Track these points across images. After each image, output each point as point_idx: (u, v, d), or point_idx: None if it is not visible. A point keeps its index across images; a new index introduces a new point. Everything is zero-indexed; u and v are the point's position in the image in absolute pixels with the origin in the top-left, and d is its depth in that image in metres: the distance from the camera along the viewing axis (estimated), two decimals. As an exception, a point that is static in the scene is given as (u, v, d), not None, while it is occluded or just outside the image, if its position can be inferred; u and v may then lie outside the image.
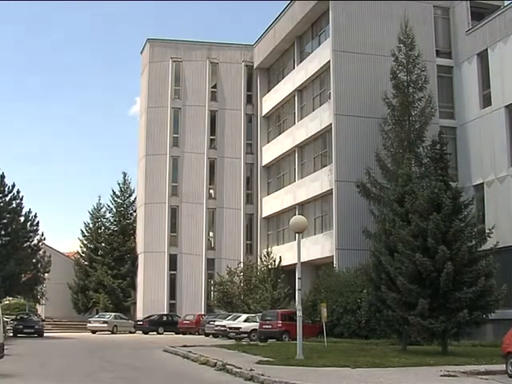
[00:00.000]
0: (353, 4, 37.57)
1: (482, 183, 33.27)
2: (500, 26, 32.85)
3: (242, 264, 45.48)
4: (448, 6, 38.20)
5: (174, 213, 48.99)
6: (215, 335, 36.47)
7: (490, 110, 33.20)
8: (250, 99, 50.69)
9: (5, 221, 38.95)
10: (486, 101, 33.83)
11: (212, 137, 50.36)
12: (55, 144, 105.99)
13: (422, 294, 21.43)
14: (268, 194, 47.40)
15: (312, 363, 17.99)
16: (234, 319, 35.68)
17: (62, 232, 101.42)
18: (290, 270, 40.77)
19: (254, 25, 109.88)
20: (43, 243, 42.09)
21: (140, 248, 49.93)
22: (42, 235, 41.23)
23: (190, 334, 40.48)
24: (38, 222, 40.79)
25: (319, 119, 39.29)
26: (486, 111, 33.69)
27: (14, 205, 39.99)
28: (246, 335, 33.02)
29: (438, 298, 21.44)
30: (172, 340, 31.74)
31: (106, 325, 43.31)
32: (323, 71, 39.46)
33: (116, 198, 55.23)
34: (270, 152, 47.07)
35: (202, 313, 44.63)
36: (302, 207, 41.42)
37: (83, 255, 55.14)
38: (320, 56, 39.53)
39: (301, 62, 43.08)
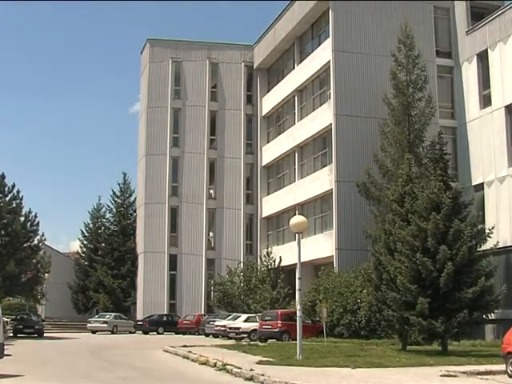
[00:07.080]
0: (353, 4, 37.58)
1: (482, 183, 33.26)
2: (500, 26, 32.85)
3: (241, 264, 45.50)
4: (448, 6, 38.22)
5: (174, 213, 48.97)
6: (215, 335, 36.45)
7: (490, 110, 33.20)
8: (249, 99, 50.67)
9: (5, 221, 38.91)
10: (486, 101, 33.84)
11: (212, 137, 50.35)
12: (55, 144, 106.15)
13: (422, 293, 21.43)
14: (268, 194, 47.38)
15: (312, 363, 17.98)
16: (234, 319, 35.68)
17: (62, 232, 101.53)
18: (289, 270, 40.76)
19: (254, 25, 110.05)
20: (43, 243, 42.06)
21: (140, 248, 49.93)
22: (42, 235, 41.26)
23: (190, 333, 40.45)
24: (38, 222, 40.82)
25: (319, 119, 39.29)
26: (485, 111, 33.69)
27: (14, 205, 39.98)
28: (246, 335, 33.00)
29: (438, 298, 21.43)
30: (172, 340, 31.70)
31: (105, 325, 43.26)
32: (323, 71, 39.47)
33: (116, 198, 55.28)
34: (270, 152, 47.06)
35: (202, 313, 44.62)
36: (301, 207, 41.42)
37: (83, 255, 55.23)
38: (320, 56, 39.53)
39: (301, 62, 43.07)
